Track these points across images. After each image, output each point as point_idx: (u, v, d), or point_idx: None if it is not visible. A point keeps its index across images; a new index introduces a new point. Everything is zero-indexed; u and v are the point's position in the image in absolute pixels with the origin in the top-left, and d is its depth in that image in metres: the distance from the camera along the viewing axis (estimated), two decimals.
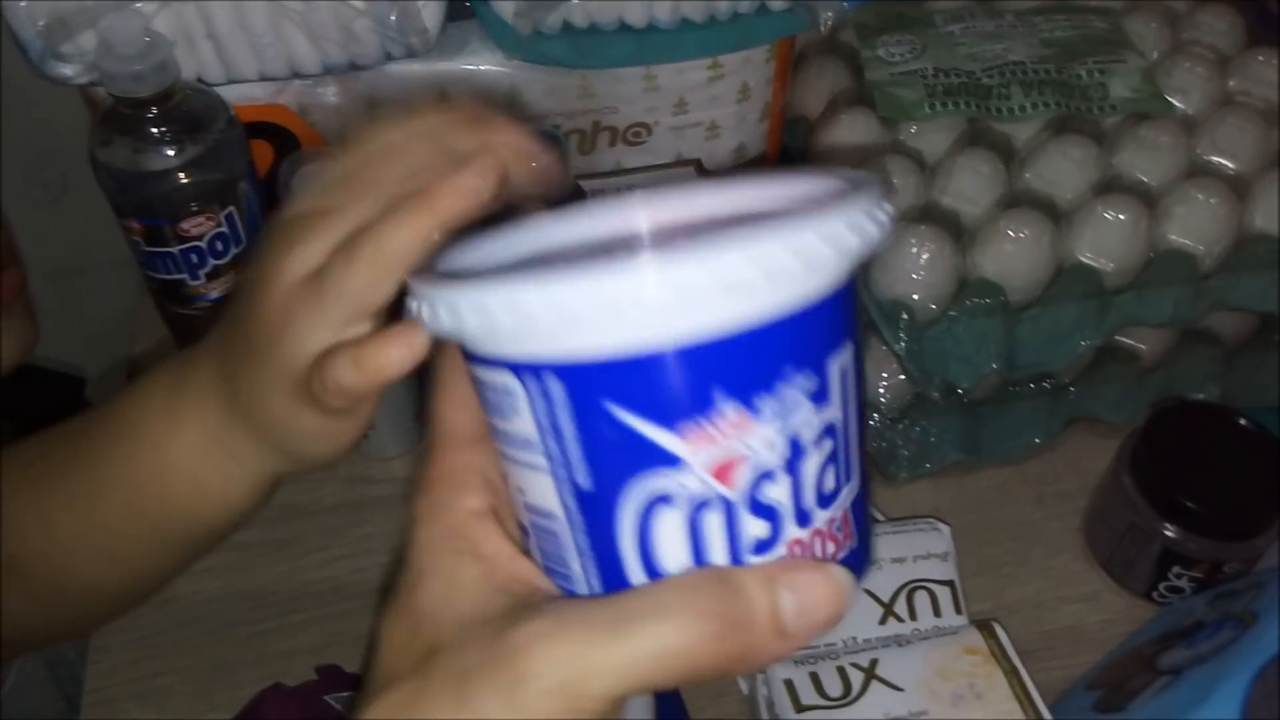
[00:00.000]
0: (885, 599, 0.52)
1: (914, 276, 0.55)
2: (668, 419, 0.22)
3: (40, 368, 0.61)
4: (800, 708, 0.47)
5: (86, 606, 0.42)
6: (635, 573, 0.24)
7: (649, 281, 0.21)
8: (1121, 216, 0.57)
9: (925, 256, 0.55)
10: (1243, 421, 0.55)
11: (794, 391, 0.23)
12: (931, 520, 0.55)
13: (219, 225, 0.48)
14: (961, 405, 0.61)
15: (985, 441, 0.62)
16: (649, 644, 0.22)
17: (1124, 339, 0.63)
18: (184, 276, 0.49)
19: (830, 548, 0.24)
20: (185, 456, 0.36)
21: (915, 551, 0.53)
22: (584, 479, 0.24)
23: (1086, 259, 0.57)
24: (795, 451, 0.23)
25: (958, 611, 0.53)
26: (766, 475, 0.23)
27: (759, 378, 0.22)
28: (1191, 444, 0.55)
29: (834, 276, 0.23)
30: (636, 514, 0.23)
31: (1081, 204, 0.58)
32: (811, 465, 0.23)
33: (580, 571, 0.25)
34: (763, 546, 0.24)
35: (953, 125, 0.60)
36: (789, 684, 0.47)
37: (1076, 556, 0.60)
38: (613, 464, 0.23)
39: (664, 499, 0.23)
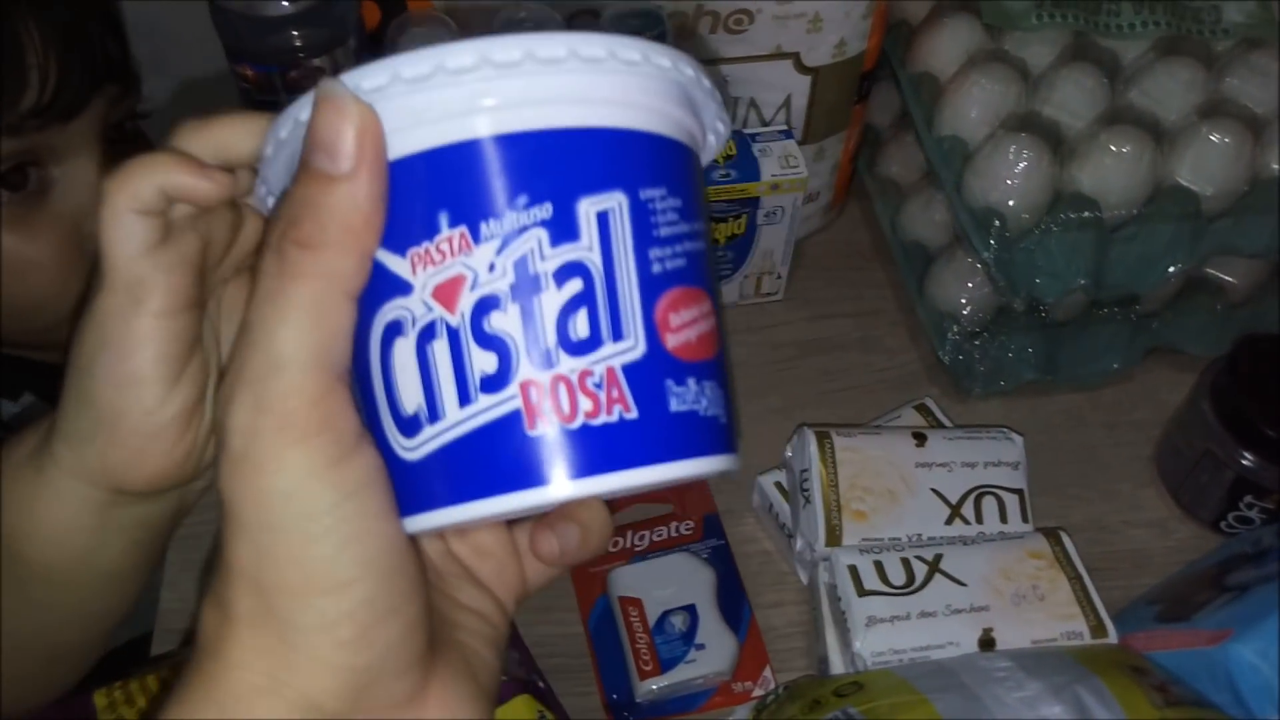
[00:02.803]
0: (953, 501, 0.52)
1: (1009, 183, 0.55)
2: (399, 243, 0.22)
3: None
4: (863, 592, 0.48)
5: None
6: (386, 417, 0.23)
7: (392, 77, 0.21)
8: (1225, 140, 0.56)
9: (1022, 165, 0.55)
10: None
11: (522, 216, 0.22)
12: (1005, 429, 0.55)
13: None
14: (1042, 324, 0.60)
15: (1063, 363, 0.62)
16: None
17: (1213, 271, 0.62)
18: None
19: (585, 402, 0.22)
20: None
21: (986, 458, 0.54)
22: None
23: (1185, 181, 0.56)
24: (526, 281, 0.22)
25: (1024, 520, 0.53)
26: (491, 301, 0.22)
27: (480, 199, 0.22)
28: (1274, 375, 0.54)
29: (593, 103, 0.22)
30: (379, 347, 0.23)
31: (1185, 125, 0.57)
32: (550, 301, 0.22)
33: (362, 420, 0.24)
34: (491, 383, 0.22)
35: (1058, 38, 0.59)
36: (853, 569, 0.48)
37: (1145, 484, 0.60)
38: (366, 295, 0.23)
39: (396, 327, 0.22)
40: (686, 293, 0.24)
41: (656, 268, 0.23)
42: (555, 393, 0.22)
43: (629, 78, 0.23)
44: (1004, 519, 0.53)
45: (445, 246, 0.22)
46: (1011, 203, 0.55)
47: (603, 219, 0.22)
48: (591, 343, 0.22)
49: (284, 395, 0.21)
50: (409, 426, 0.23)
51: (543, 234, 0.22)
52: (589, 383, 0.22)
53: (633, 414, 0.22)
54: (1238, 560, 0.52)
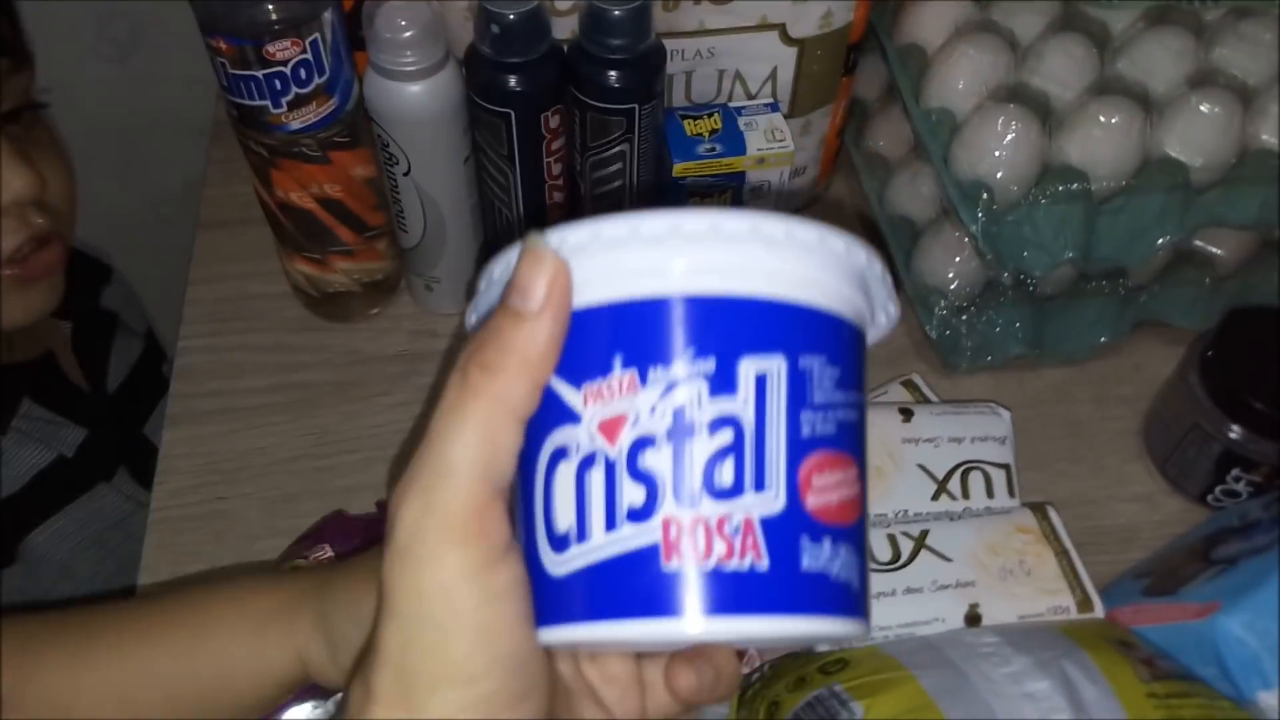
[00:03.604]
0: (939, 476, 0.52)
1: (997, 155, 0.54)
2: (577, 377, 0.25)
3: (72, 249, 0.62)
4: None
5: None
6: (540, 533, 0.25)
7: (559, 243, 0.25)
8: (1215, 110, 0.55)
9: (1010, 136, 0.54)
10: None
11: (687, 367, 0.24)
12: (992, 404, 0.55)
13: (303, 51, 0.48)
14: (1030, 298, 0.60)
15: (1050, 337, 0.62)
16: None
17: (1202, 244, 0.62)
18: (266, 103, 0.49)
19: (719, 546, 0.24)
20: (247, 652, 0.38)
21: (973, 433, 0.53)
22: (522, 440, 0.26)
23: (1174, 152, 0.56)
24: (681, 426, 0.24)
25: (1011, 495, 0.53)
26: (647, 440, 0.24)
27: (652, 347, 0.24)
28: (1263, 348, 0.54)
29: (755, 277, 0.24)
30: (545, 468, 0.25)
31: (1174, 96, 0.56)
32: (701, 448, 0.24)
33: (521, 543, 0.26)
34: (637, 514, 0.24)
35: (1047, 8, 0.58)
36: None
37: (1132, 458, 0.60)
38: (537, 421, 0.25)
39: (562, 452, 0.25)
40: (833, 457, 0.25)
41: (806, 430, 0.25)
42: (694, 532, 0.24)
43: (802, 256, 0.25)
44: (991, 494, 0.52)
45: (615, 385, 0.24)
46: (999, 175, 0.55)
47: (760, 379, 0.24)
48: (734, 491, 0.24)
49: (450, 500, 0.24)
50: (559, 543, 0.25)
51: (703, 386, 0.24)
52: (726, 528, 0.24)
53: (764, 564, 0.24)
54: (1225, 533, 0.52)
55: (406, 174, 0.54)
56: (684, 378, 0.24)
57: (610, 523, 0.24)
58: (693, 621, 0.24)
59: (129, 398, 0.70)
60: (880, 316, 0.29)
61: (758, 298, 0.25)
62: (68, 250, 0.60)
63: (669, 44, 0.55)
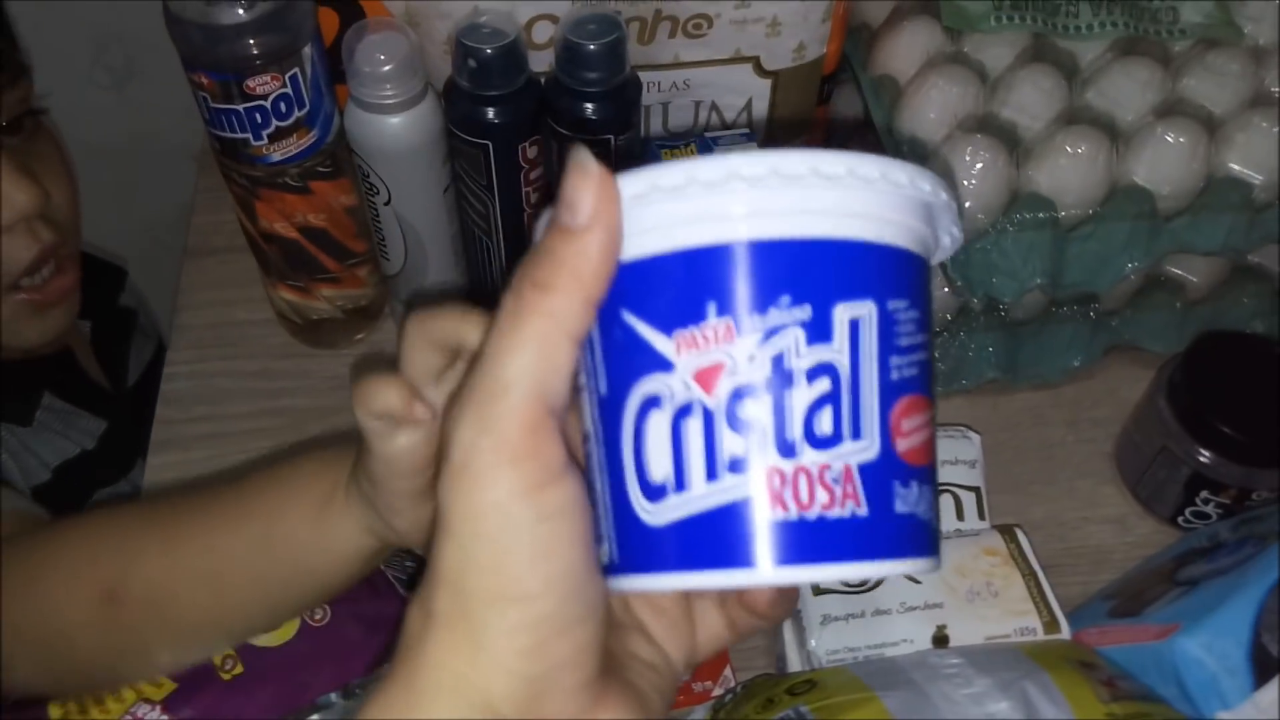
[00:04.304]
0: None
1: (966, 184, 0.55)
2: (666, 324, 0.24)
3: (86, 254, 0.64)
4: (818, 590, 0.48)
5: (183, 642, 0.45)
6: (631, 481, 0.25)
7: (650, 186, 0.24)
8: (1181, 140, 0.56)
9: (979, 166, 0.55)
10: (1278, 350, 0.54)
11: (783, 315, 0.24)
12: (962, 428, 0.56)
13: (283, 86, 0.49)
14: (1002, 323, 0.61)
15: (1023, 361, 0.62)
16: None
17: (1173, 269, 0.63)
18: (247, 135, 0.50)
19: (821, 495, 0.24)
20: (314, 534, 0.40)
21: (943, 457, 0.54)
22: (603, 386, 0.25)
23: (1141, 181, 0.57)
24: (780, 375, 0.24)
25: (981, 517, 0.53)
26: (746, 390, 0.24)
27: (751, 294, 0.24)
28: (1230, 373, 0.55)
29: (850, 217, 0.24)
30: (634, 417, 0.25)
31: (1141, 125, 0.57)
32: (800, 397, 0.24)
33: (603, 489, 0.26)
34: (738, 464, 0.24)
35: (1017, 40, 0.60)
36: None
37: (1105, 480, 0.61)
38: (622, 368, 0.25)
39: (654, 401, 0.24)
40: (916, 400, 0.25)
41: (895, 375, 0.25)
42: (796, 482, 0.24)
43: (876, 195, 0.25)
44: (960, 517, 0.53)
45: (710, 333, 0.24)
46: (968, 204, 0.56)
47: (854, 325, 0.24)
48: (833, 439, 0.24)
49: (504, 417, 0.24)
50: (655, 493, 0.25)
51: (800, 333, 0.24)
52: (828, 476, 0.24)
53: (864, 510, 0.24)
54: (1192, 555, 0.52)
55: (387, 203, 0.55)
56: (781, 325, 0.24)
57: (711, 473, 0.24)
58: (795, 570, 0.24)
59: (145, 395, 0.71)
60: (944, 239, 0.28)
61: (852, 239, 0.24)
62: (80, 271, 0.61)
63: (645, 76, 0.56)
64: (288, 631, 0.46)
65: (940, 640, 0.47)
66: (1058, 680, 0.42)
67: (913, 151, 0.58)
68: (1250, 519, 0.53)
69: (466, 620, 0.25)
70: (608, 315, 0.25)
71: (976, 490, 0.54)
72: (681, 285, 0.24)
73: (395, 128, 0.52)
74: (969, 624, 0.48)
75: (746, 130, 0.61)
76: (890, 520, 0.24)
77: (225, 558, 0.41)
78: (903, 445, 0.25)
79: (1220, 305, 0.63)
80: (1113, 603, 0.51)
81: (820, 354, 0.24)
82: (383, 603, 0.48)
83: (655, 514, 0.25)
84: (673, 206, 0.24)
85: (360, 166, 0.54)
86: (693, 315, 0.24)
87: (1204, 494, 0.55)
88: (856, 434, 0.24)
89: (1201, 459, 0.54)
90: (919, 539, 0.25)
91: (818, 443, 0.24)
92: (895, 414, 0.25)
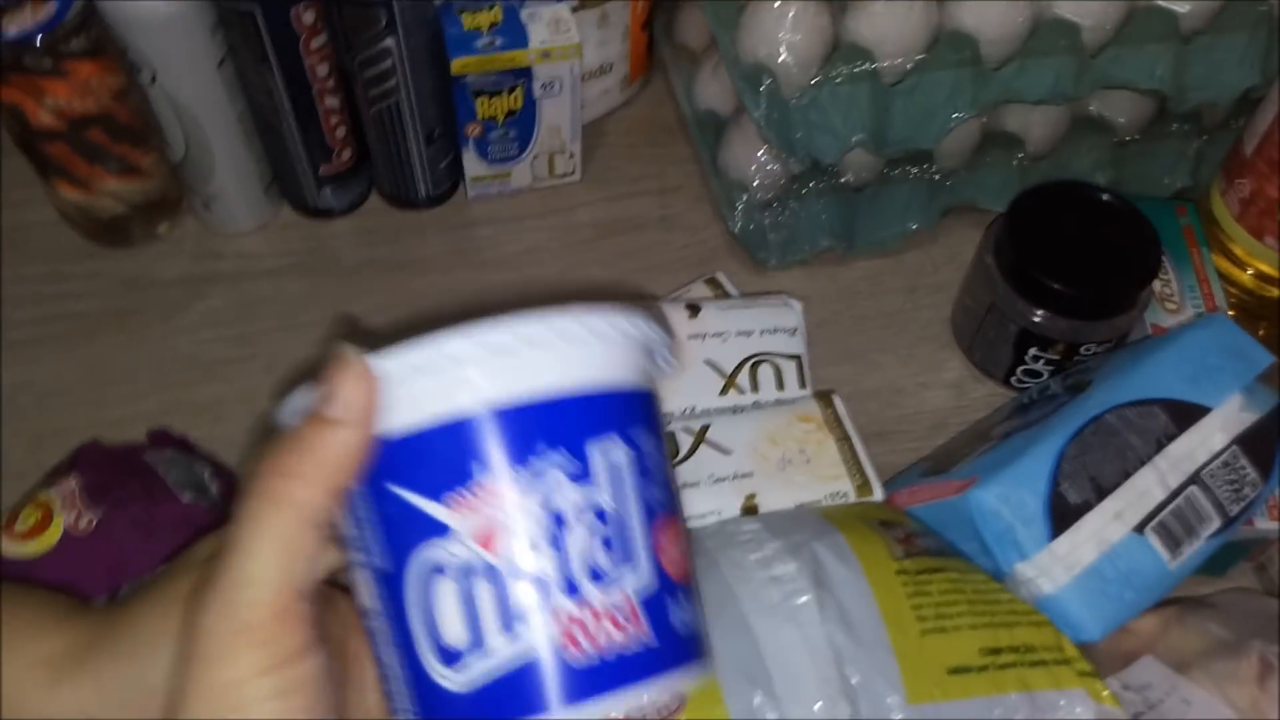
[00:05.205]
0: (727, 371, 0.51)
1: (779, 37, 0.52)
2: (435, 491, 0.25)
3: None
4: None
5: None
6: (425, 649, 0.25)
7: (395, 364, 0.25)
8: None
9: (791, 15, 0.52)
10: (1108, 197, 0.53)
11: (543, 463, 0.25)
12: (784, 296, 0.54)
13: None
14: (836, 189, 0.59)
15: (860, 229, 0.60)
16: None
17: (1010, 125, 0.60)
18: None
19: (614, 634, 0.25)
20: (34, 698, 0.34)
21: (762, 325, 0.52)
22: (380, 560, 0.26)
23: (966, 28, 0.54)
24: (557, 523, 0.25)
25: (802, 386, 0.52)
26: (525, 541, 0.25)
27: (509, 450, 0.25)
28: (1057, 224, 0.53)
29: (586, 368, 0.26)
30: (419, 585, 0.25)
31: None
32: (577, 539, 0.25)
33: (394, 662, 0.26)
34: (529, 612, 0.25)
35: None
36: None
37: (942, 346, 0.59)
38: (398, 540, 0.25)
39: (439, 568, 0.25)
40: (670, 519, 0.27)
41: (650, 500, 0.27)
42: (585, 622, 0.25)
43: (609, 346, 0.27)
44: (781, 386, 0.51)
45: (479, 492, 0.25)
46: (782, 59, 0.52)
47: (609, 462, 0.26)
48: (611, 572, 0.25)
49: (248, 607, 0.25)
50: (451, 657, 0.25)
51: (562, 478, 0.25)
52: (617, 614, 0.25)
53: (647, 634, 0.26)
54: (1013, 411, 0.51)
55: (153, 82, 0.51)
56: (543, 472, 0.25)
57: (506, 626, 0.25)
58: (594, 704, 0.25)
59: None
60: (662, 366, 0.30)
61: (596, 388, 0.26)
62: None
63: None
64: (49, 540, 0.43)
65: (749, 510, 0.46)
66: (851, 540, 0.41)
67: (725, 7, 0.55)
68: (1076, 373, 0.51)
69: None
70: (376, 490, 0.26)
71: (797, 358, 0.52)
72: (444, 452, 0.25)
73: None
74: (780, 492, 0.46)
75: None
76: (671, 637, 0.26)
77: None
78: (669, 565, 0.26)
79: (1060, 160, 0.61)
80: (929, 464, 0.49)
81: (584, 494, 0.25)
82: (160, 506, 0.45)
83: (454, 677, 0.25)
84: (425, 381, 0.25)
85: (118, 42, 0.50)
86: (459, 478, 0.25)
87: (1033, 351, 0.54)
88: (630, 563, 0.26)
89: (1029, 315, 0.52)
90: (694, 646, 0.27)
91: (598, 578, 0.25)
92: (657, 537, 0.26)
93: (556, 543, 0.25)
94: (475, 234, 0.62)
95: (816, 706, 0.37)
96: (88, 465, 0.46)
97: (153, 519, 0.45)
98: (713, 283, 0.57)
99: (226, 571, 0.25)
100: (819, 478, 0.47)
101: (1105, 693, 0.39)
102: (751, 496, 0.46)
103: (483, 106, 0.57)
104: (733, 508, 0.46)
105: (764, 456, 0.47)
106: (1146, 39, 0.55)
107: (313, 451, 0.25)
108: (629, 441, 0.26)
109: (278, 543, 0.25)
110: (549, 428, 0.25)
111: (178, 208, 0.60)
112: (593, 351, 0.26)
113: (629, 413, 0.27)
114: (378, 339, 0.26)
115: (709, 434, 0.48)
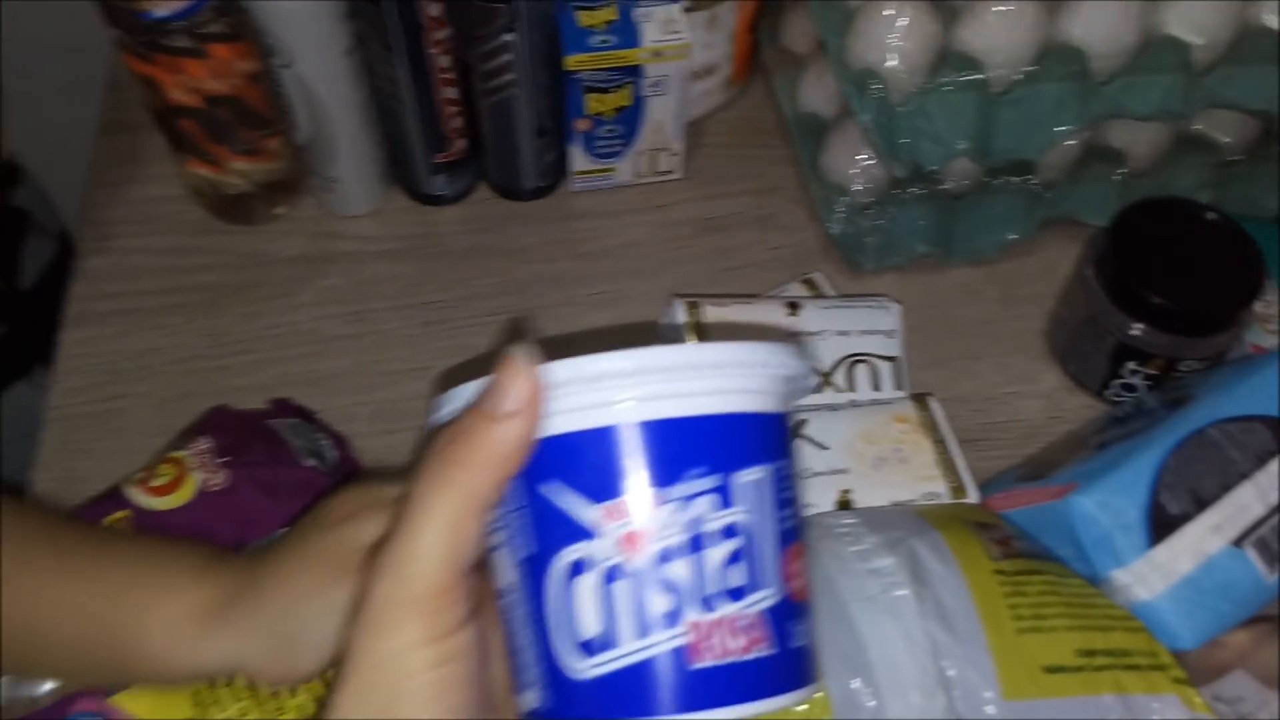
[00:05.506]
0: (824, 368, 0.52)
1: (889, 43, 0.53)
2: (592, 495, 0.27)
3: None
4: None
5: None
6: (558, 637, 0.27)
7: (564, 371, 0.27)
8: None
9: (903, 22, 0.53)
10: (1213, 216, 0.53)
11: (694, 484, 0.27)
12: (882, 298, 0.55)
13: None
14: (936, 196, 0.59)
15: (958, 236, 0.61)
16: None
17: (1113, 140, 0.61)
18: None
19: (739, 641, 0.27)
20: (169, 644, 0.37)
21: (860, 326, 0.53)
22: (528, 549, 0.28)
23: (1075, 40, 0.54)
24: (696, 540, 0.27)
25: (898, 387, 0.52)
26: (668, 554, 0.27)
27: (666, 467, 0.27)
28: (1159, 240, 0.53)
29: (738, 396, 0.28)
30: (562, 578, 0.27)
31: None
32: (714, 556, 0.27)
33: (527, 644, 0.28)
34: (665, 620, 0.27)
35: None
36: None
37: (1036, 356, 0.59)
38: (549, 533, 0.27)
39: (582, 565, 0.27)
40: (799, 547, 0.29)
41: (784, 526, 0.28)
42: (717, 633, 0.27)
43: (761, 375, 0.29)
44: (877, 387, 0.52)
45: (633, 503, 0.27)
46: (891, 64, 0.53)
47: (754, 488, 0.28)
48: (745, 591, 0.27)
49: (417, 578, 0.27)
50: (584, 649, 0.27)
51: (710, 500, 0.27)
52: (741, 624, 0.27)
53: (772, 650, 0.27)
54: (1113, 423, 0.51)
55: (287, 66, 0.53)
56: (693, 494, 0.27)
57: (642, 630, 0.27)
58: (715, 714, 0.27)
59: (44, 298, 0.70)
60: (803, 395, 0.32)
61: (749, 413, 0.28)
62: None
63: None
64: (183, 497, 0.46)
65: (844, 505, 0.47)
66: (949, 539, 0.42)
67: (836, 11, 0.56)
68: (1174, 388, 0.52)
69: None
70: (531, 486, 0.27)
71: (894, 360, 0.53)
72: (599, 460, 0.27)
73: None
74: (874, 490, 0.47)
75: None
76: (791, 658, 0.28)
77: (51, 620, 0.38)
78: (794, 587, 0.28)
79: (1161, 177, 0.61)
80: (1024, 469, 0.50)
81: (728, 517, 0.27)
82: (283, 470, 0.48)
83: (584, 668, 0.27)
84: (589, 391, 0.27)
85: (259, 26, 0.52)
86: (611, 486, 0.27)
87: (1130, 365, 0.54)
88: (763, 584, 0.28)
89: (1127, 328, 0.53)
90: (810, 667, 0.29)
91: (732, 595, 0.27)
92: (786, 561, 0.28)
93: (697, 558, 0.27)
94: (577, 226, 0.64)
95: (913, 696, 0.38)
96: (218, 429, 0.49)
97: (277, 481, 0.47)
98: (809, 283, 0.58)
99: (399, 547, 0.27)
100: (914, 478, 0.48)
101: (1199, 700, 0.39)
102: (846, 492, 0.47)
103: (593, 102, 0.59)
104: (828, 502, 0.47)
105: (859, 454, 0.48)
106: (1256, 60, 0.55)
107: (482, 443, 0.27)
108: (771, 468, 0.28)
109: (446, 524, 0.27)
110: (699, 449, 0.27)
111: (297, 189, 0.62)
112: (746, 381, 0.28)
113: (772, 440, 0.29)
114: (545, 344, 0.28)
115: (806, 429, 0.49)
